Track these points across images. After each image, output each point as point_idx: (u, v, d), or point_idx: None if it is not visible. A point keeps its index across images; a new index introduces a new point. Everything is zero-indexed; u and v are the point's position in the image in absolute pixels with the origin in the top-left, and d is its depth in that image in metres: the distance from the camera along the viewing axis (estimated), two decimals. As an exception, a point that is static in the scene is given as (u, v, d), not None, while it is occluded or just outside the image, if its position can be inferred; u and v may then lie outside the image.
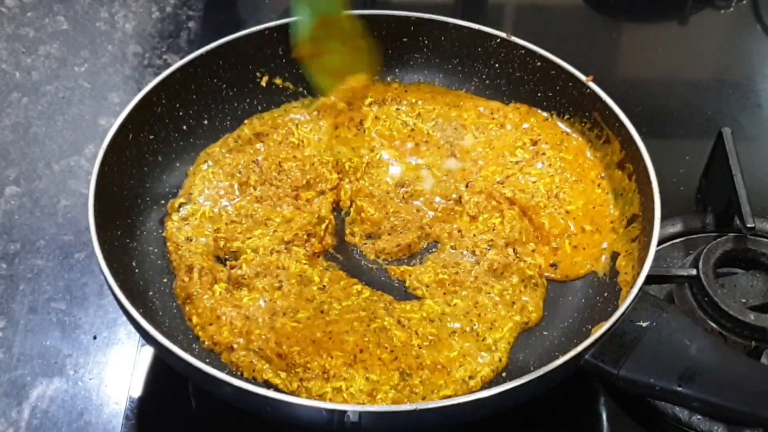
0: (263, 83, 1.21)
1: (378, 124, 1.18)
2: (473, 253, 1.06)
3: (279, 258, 1.04)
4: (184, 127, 1.15)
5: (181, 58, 1.15)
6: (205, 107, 1.17)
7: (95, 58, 1.41)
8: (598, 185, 1.11)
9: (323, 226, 1.08)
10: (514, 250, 1.06)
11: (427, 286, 1.04)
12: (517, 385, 0.85)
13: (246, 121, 1.19)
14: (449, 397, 0.93)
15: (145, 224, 1.08)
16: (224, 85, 1.18)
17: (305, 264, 1.04)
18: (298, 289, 1.01)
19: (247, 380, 0.94)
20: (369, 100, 1.19)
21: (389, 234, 1.09)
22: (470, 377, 0.96)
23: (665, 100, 1.38)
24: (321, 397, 0.93)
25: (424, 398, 0.93)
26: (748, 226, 1.05)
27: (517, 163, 1.14)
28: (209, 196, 1.10)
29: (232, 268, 1.04)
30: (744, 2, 1.53)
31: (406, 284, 1.05)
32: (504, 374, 0.98)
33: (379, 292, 1.04)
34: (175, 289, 1.03)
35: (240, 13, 1.52)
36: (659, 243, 1.04)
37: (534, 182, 1.11)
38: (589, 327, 0.97)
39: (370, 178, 1.14)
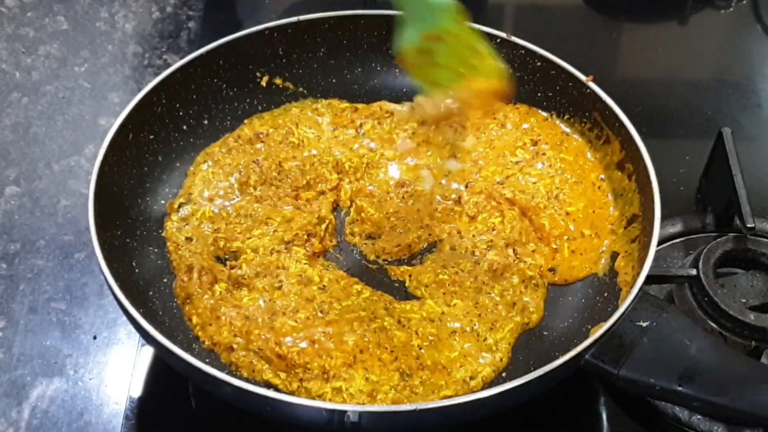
0: (263, 83, 1.21)
1: (378, 127, 1.18)
2: (473, 253, 1.06)
3: (279, 258, 1.04)
4: (184, 127, 1.15)
5: (181, 58, 1.15)
6: (205, 107, 1.17)
7: (95, 58, 1.41)
8: (599, 187, 1.11)
9: (323, 226, 1.08)
10: (514, 250, 1.06)
11: (427, 287, 1.04)
12: (517, 385, 0.85)
13: (246, 121, 1.19)
14: (449, 397, 0.93)
15: (145, 224, 1.08)
16: (224, 85, 1.18)
17: (305, 264, 1.04)
18: (298, 289, 1.01)
19: (246, 380, 0.93)
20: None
21: (389, 234, 1.09)
22: (471, 378, 0.96)
23: (665, 100, 1.38)
24: (321, 397, 0.93)
25: (424, 399, 0.93)
26: (748, 226, 1.05)
27: (517, 163, 1.14)
28: (209, 196, 1.10)
29: (232, 268, 1.04)
30: (744, 2, 1.53)
31: (406, 284, 1.05)
32: (504, 374, 0.98)
33: (379, 292, 1.04)
34: (175, 289, 1.03)
35: (240, 13, 1.52)
36: (659, 243, 1.03)
37: (534, 183, 1.11)
38: (589, 327, 0.97)
39: (370, 178, 1.14)
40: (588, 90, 1.12)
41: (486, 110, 1.05)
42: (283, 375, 0.95)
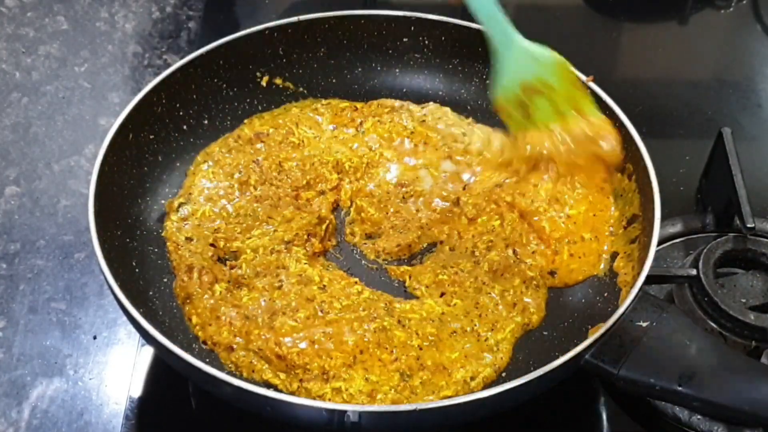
0: (263, 83, 1.21)
1: (378, 127, 1.18)
2: (473, 253, 1.06)
3: (279, 258, 1.04)
4: (184, 127, 1.15)
5: (181, 58, 1.15)
6: (205, 107, 1.17)
7: (95, 58, 1.41)
8: (601, 188, 1.10)
9: (323, 226, 1.08)
10: (514, 251, 1.06)
11: (427, 287, 1.04)
12: (517, 385, 0.85)
13: (246, 121, 1.19)
14: (450, 397, 0.93)
15: (145, 224, 1.08)
16: (224, 85, 1.18)
17: (305, 264, 1.04)
18: (298, 288, 1.01)
19: (246, 380, 0.93)
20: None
21: (389, 234, 1.09)
22: (472, 378, 0.96)
23: (665, 100, 1.38)
24: (321, 397, 0.93)
25: (424, 399, 0.93)
26: (748, 226, 1.05)
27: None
28: (209, 196, 1.10)
29: (232, 268, 1.04)
30: (744, 2, 1.53)
31: (406, 284, 1.05)
32: (504, 374, 0.98)
33: (379, 291, 1.04)
34: (175, 289, 1.03)
35: (240, 13, 1.52)
36: (659, 243, 1.03)
37: (535, 186, 1.11)
38: (589, 327, 0.97)
39: (370, 178, 1.14)
40: (588, 90, 1.12)
41: (589, 175, 1.00)
42: (282, 375, 0.95)
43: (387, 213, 1.10)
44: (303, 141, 1.16)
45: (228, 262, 1.05)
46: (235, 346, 0.97)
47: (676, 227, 1.16)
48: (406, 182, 1.13)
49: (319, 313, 0.98)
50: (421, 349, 0.97)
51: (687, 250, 1.14)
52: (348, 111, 1.20)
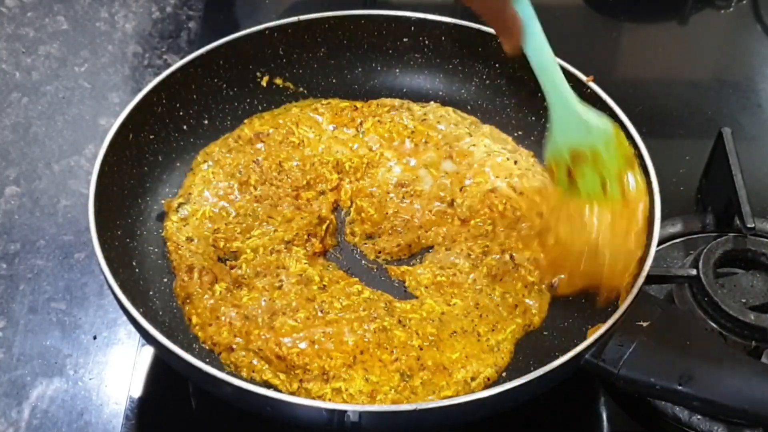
0: (263, 83, 1.21)
1: (378, 127, 1.18)
2: (468, 256, 1.06)
3: (279, 258, 1.04)
4: (184, 127, 1.15)
5: (181, 58, 1.15)
6: (205, 107, 1.17)
7: (95, 58, 1.41)
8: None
9: (324, 226, 1.08)
10: (511, 256, 1.05)
11: (426, 287, 1.04)
12: (517, 385, 0.85)
13: (246, 121, 1.19)
14: (450, 397, 0.93)
15: (145, 224, 1.08)
16: (224, 85, 1.18)
17: (305, 264, 1.04)
18: (298, 288, 1.01)
19: (246, 380, 0.93)
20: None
21: (389, 234, 1.09)
22: (472, 378, 0.95)
23: (665, 100, 1.38)
24: (321, 398, 0.93)
25: (424, 400, 0.93)
26: (748, 226, 1.05)
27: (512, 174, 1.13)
28: (209, 196, 1.10)
29: (232, 268, 1.04)
30: (744, 2, 1.53)
31: (406, 284, 1.05)
32: (504, 374, 0.98)
33: (379, 291, 1.04)
34: (175, 289, 1.03)
35: (240, 14, 1.52)
36: (659, 243, 1.03)
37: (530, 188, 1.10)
38: (589, 327, 0.97)
39: (370, 178, 1.14)
40: (588, 90, 1.12)
41: (570, 281, 0.99)
42: (282, 376, 0.95)
43: (387, 213, 1.10)
44: (303, 141, 1.16)
45: (228, 262, 1.05)
46: (235, 347, 0.97)
47: (676, 227, 1.16)
48: (406, 182, 1.13)
49: (319, 313, 0.98)
50: (421, 349, 0.97)
51: (687, 250, 1.14)
52: (348, 111, 1.20)
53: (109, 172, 1.02)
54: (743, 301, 1.04)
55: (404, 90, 1.24)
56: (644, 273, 0.93)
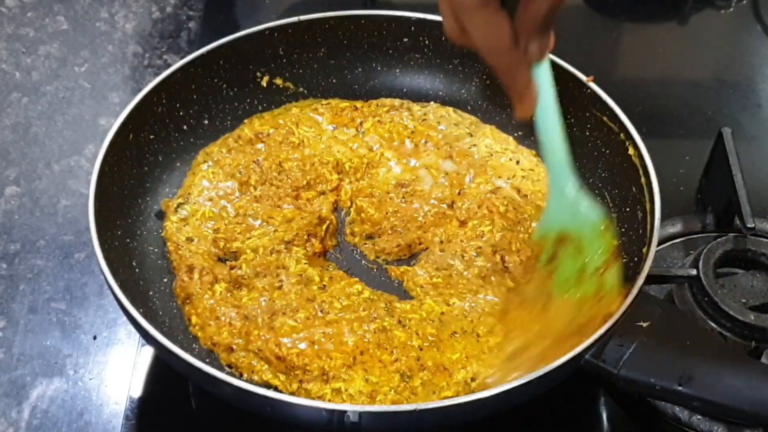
0: (263, 83, 1.21)
1: (378, 127, 1.18)
2: (462, 257, 1.06)
3: (279, 258, 1.04)
4: (184, 127, 1.15)
5: (181, 58, 1.15)
6: (205, 107, 1.17)
7: (95, 58, 1.41)
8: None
9: (324, 227, 1.08)
10: (502, 258, 1.05)
11: (422, 287, 1.04)
12: (517, 385, 0.85)
13: (246, 121, 1.19)
14: (450, 398, 0.93)
15: (145, 224, 1.08)
16: (224, 85, 1.18)
17: (305, 264, 1.04)
18: (298, 288, 1.01)
19: (246, 381, 0.93)
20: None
21: (389, 234, 1.09)
22: (472, 379, 0.95)
23: (665, 100, 1.38)
24: (320, 398, 0.93)
25: (424, 400, 0.93)
26: (748, 226, 1.05)
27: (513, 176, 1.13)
28: (209, 196, 1.10)
29: (232, 268, 1.04)
30: (744, 2, 1.53)
31: (405, 285, 1.05)
32: (504, 374, 0.98)
33: (379, 291, 1.04)
34: (175, 289, 1.03)
35: (240, 14, 1.52)
36: (659, 243, 1.04)
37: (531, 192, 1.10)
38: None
39: (370, 179, 1.14)
40: (588, 90, 1.12)
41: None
42: (282, 376, 0.95)
43: (387, 213, 1.10)
44: (303, 141, 1.16)
45: (228, 263, 1.05)
46: (234, 347, 0.97)
47: (676, 227, 1.16)
48: (406, 182, 1.13)
49: (319, 314, 0.98)
50: (421, 349, 0.97)
51: (687, 250, 1.14)
52: (348, 111, 1.20)
53: (109, 172, 1.02)
54: (743, 301, 1.04)
55: (404, 90, 1.24)
56: (644, 273, 0.93)
